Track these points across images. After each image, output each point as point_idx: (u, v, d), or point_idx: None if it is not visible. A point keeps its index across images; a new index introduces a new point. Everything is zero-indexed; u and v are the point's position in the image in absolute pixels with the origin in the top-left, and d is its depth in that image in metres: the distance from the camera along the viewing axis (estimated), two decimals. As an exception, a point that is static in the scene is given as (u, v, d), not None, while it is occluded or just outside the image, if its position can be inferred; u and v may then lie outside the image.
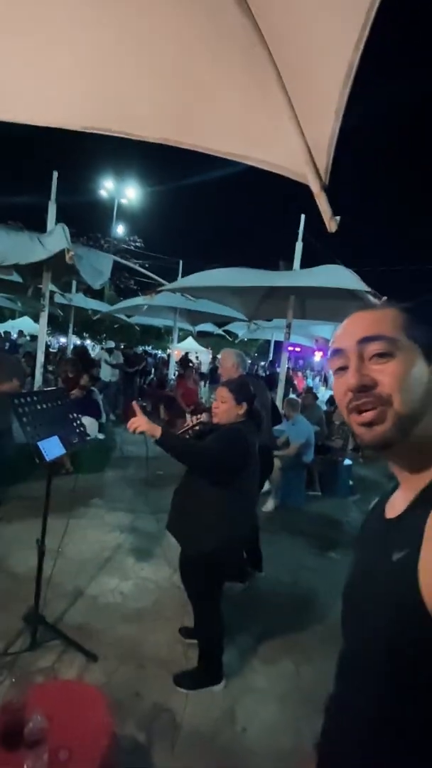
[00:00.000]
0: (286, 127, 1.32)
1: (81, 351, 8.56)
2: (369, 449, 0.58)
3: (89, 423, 4.97)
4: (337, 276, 3.99)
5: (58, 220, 5.31)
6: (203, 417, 2.07)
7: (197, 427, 2.11)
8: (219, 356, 3.48)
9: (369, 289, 3.46)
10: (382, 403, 0.55)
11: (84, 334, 16.92)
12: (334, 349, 0.62)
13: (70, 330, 11.15)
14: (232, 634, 2.35)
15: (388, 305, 0.61)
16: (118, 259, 6.64)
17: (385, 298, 3.34)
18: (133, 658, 2.11)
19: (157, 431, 1.71)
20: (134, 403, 1.85)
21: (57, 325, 15.23)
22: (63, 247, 3.74)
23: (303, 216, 5.46)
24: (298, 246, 5.38)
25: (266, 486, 4.46)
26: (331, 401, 7.64)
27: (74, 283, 10.62)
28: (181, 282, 5.03)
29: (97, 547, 3.22)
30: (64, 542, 3.25)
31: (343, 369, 0.60)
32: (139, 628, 2.34)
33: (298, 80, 1.23)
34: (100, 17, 1.13)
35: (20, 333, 15.13)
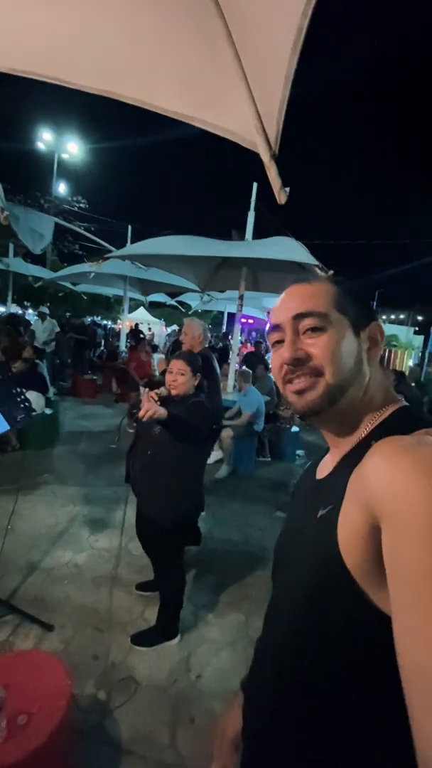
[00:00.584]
0: (237, 92, 1.29)
1: (10, 319, 7.96)
2: (300, 416, 0.63)
3: (35, 398, 4.74)
4: (288, 248, 4.04)
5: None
6: (162, 390, 2.08)
7: (158, 401, 2.13)
8: (183, 325, 3.48)
9: (317, 263, 3.56)
10: (315, 374, 0.60)
11: (25, 303, 15.74)
12: (272, 324, 0.65)
13: (9, 298, 10.33)
14: (187, 593, 2.48)
15: (320, 280, 0.64)
16: (61, 221, 6.17)
17: (331, 272, 3.45)
18: (91, 624, 2.17)
19: (165, 413, 1.74)
20: (150, 393, 1.94)
21: (-6, 293, 14.00)
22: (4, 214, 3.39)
23: (255, 185, 5.37)
24: (250, 216, 5.33)
25: (219, 454, 4.61)
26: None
27: (11, 246, 9.77)
28: (131, 249, 4.81)
29: (49, 522, 3.18)
30: (13, 519, 3.18)
31: (279, 342, 0.64)
32: (96, 596, 2.39)
33: (248, 44, 1.20)
34: None
35: None
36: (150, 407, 1.68)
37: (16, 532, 2.99)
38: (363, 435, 0.58)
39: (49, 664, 1.53)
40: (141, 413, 1.68)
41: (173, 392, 2.04)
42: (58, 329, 9.22)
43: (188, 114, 1.56)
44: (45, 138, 19.59)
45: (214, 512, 3.57)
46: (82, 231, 6.08)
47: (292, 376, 0.61)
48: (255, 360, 7.00)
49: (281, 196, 1.40)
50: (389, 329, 18.44)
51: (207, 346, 3.33)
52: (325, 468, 0.66)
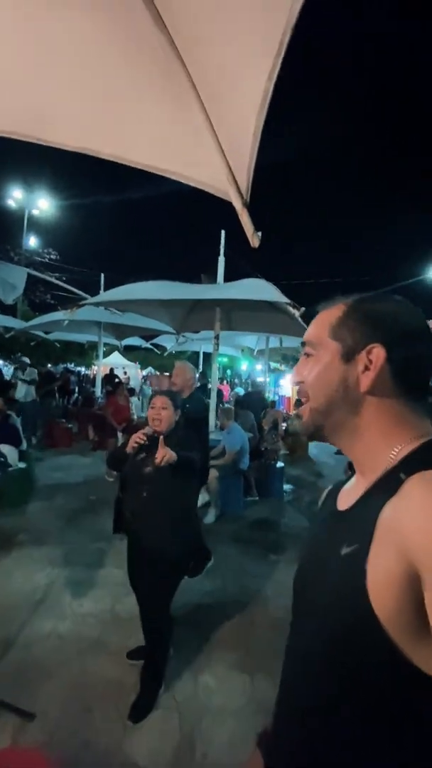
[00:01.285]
0: (208, 147, 1.37)
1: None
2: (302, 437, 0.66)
3: (8, 451, 4.51)
4: (258, 289, 4.21)
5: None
6: (148, 430, 2.02)
7: (146, 442, 2.06)
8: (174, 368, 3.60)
9: (288, 301, 3.70)
10: (306, 397, 0.63)
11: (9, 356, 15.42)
12: None
13: (-21, 350, 10.08)
14: (183, 654, 2.27)
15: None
16: (33, 272, 6.20)
17: (303, 308, 3.59)
18: (78, 705, 1.92)
19: (175, 456, 1.83)
20: (137, 434, 1.97)
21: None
22: None
23: (223, 232, 5.68)
24: (221, 261, 5.58)
25: (206, 497, 4.45)
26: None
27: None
28: (105, 296, 4.86)
29: (26, 589, 2.89)
30: (-15, 589, 2.89)
31: None
32: (83, 670, 2.14)
33: (216, 101, 1.29)
34: (15, 21, 1.06)
35: None
36: (165, 452, 1.78)
37: (-11, 603, 2.70)
38: (389, 466, 0.56)
39: (31, 763, 1.32)
40: (158, 461, 1.78)
41: (157, 428, 2.03)
42: (36, 377, 8.99)
43: (163, 167, 1.64)
44: (15, 196, 20.24)
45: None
46: (54, 280, 6.13)
47: (298, 397, 0.66)
48: (254, 399, 7.11)
49: (254, 240, 1.47)
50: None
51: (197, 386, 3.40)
52: (348, 497, 0.62)
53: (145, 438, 1.95)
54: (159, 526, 1.96)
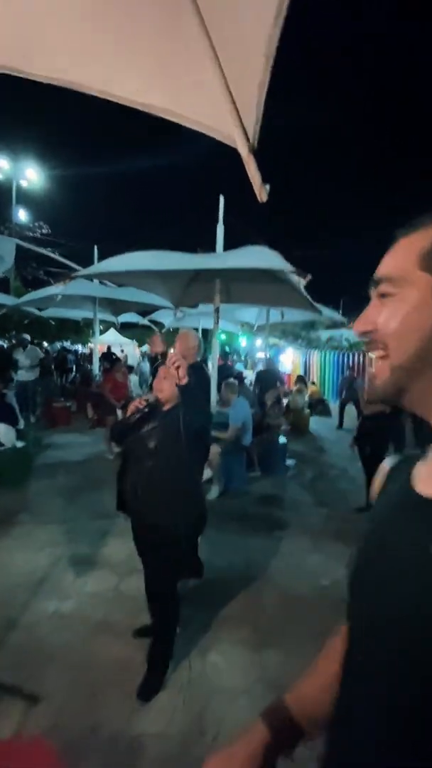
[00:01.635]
0: (212, 82, 1.16)
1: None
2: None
3: (4, 430, 4.40)
4: (261, 256, 3.98)
5: None
6: (149, 397, 1.91)
7: (146, 409, 1.96)
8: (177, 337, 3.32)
9: (292, 268, 3.50)
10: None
11: (7, 335, 15.09)
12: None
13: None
14: (190, 633, 2.23)
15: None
16: (22, 242, 5.90)
17: (309, 275, 3.39)
18: (84, 688, 1.87)
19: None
20: (138, 400, 1.99)
21: None
22: None
23: (222, 197, 5.35)
24: (219, 229, 5.27)
25: (208, 473, 4.38)
26: (259, 384, 7.79)
27: (-29, 274, 9.36)
28: (99, 267, 4.62)
29: (28, 569, 2.84)
30: (-14, 570, 2.84)
31: None
32: (87, 651, 2.10)
33: (223, 25, 1.08)
34: None
35: None
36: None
37: (-10, 584, 2.65)
38: None
39: (36, 753, 1.26)
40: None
41: (161, 396, 1.94)
42: (42, 355, 8.78)
43: (159, 106, 1.42)
44: (1, 165, 19.31)
45: (209, 537, 3.32)
46: (47, 253, 5.84)
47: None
48: (270, 376, 6.99)
49: (262, 193, 1.30)
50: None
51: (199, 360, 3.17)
52: None
53: (145, 403, 1.86)
54: (163, 502, 1.88)
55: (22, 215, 20.29)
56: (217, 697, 1.87)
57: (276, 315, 8.19)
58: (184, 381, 1.93)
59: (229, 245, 4.83)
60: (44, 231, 19.98)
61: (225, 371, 7.65)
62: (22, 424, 5.07)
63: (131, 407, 1.91)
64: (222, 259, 4.46)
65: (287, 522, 3.82)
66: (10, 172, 19.18)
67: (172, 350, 3.07)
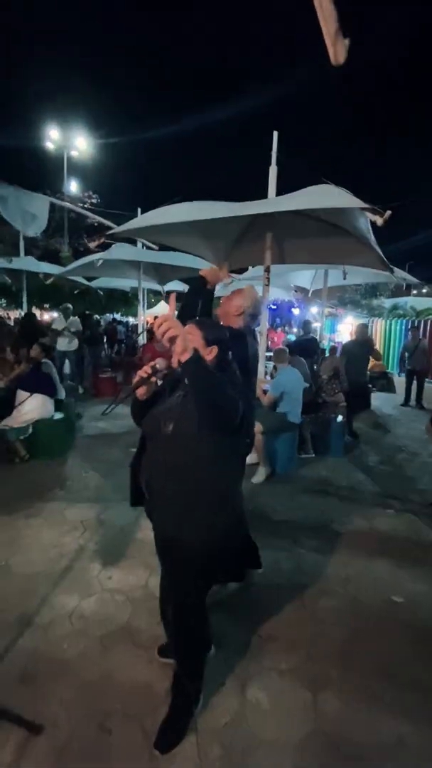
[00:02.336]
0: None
1: (27, 320, 7.57)
2: None
3: (39, 402, 4.22)
4: (324, 195, 3.22)
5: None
6: (158, 362, 1.43)
7: (154, 378, 1.46)
8: None
9: (366, 205, 2.74)
10: None
11: (44, 305, 15.50)
12: None
13: (24, 300, 9.99)
14: (225, 656, 1.82)
15: None
16: (55, 200, 5.58)
17: (388, 212, 2.63)
18: (94, 718, 1.54)
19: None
20: (145, 367, 1.42)
21: (12, 297, 13.81)
22: None
23: (275, 133, 4.54)
24: (272, 171, 4.51)
25: (254, 458, 3.90)
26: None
27: (22, 245, 9.40)
28: (135, 222, 4.14)
29: (52, 554, 2.60)
30: (11, 551, 2.64)
31: None
32: (104, 668, 1.77)
33: None
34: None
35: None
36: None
37: (12, 569, 2.44)
38: None
39: None
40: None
41: (175, 364, 1.38)
42: (80, 327, 8.75)
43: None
44: (52, 136, 19.23)
45: (252, 530, 2.88)
46: (85, 212, 5.46)
47: None
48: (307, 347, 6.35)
49: (339, 50, 0.93)
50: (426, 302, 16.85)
51: (250, 326, 2.54)
52: None
53: (151, 371, 1.37)
54: (177, 507, 1.40)
55: (73, 187, 20.31)
56: (258, 752, 1.44)
57: (336, 276, 7.25)
58: (211, 356, 1.39)
59: (285, 188, 4.09)
60: (94, 200, 19.90)
61: (305, 345, 6.83)
62: (62, 395, 4.90)
63: (136, 377, 1.43)
64: (275, 203, 3.75)
65: (346, 516, 3.25)
66: (61, 142, 19.07)
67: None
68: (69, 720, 1.53)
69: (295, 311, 17.45)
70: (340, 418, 4.89)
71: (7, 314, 15.73)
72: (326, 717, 1.59)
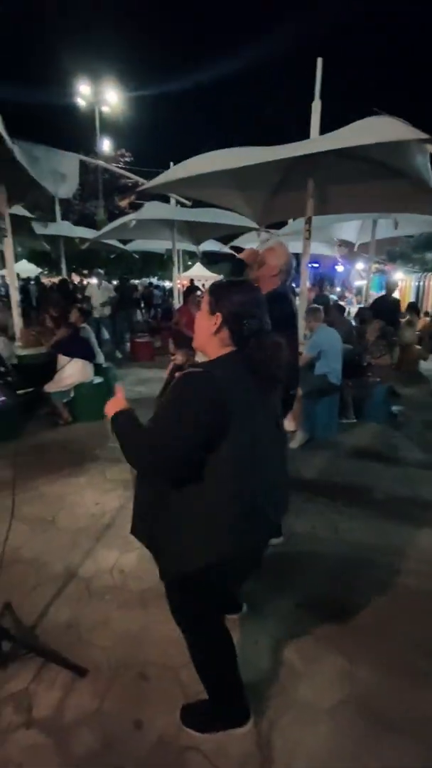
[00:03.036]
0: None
1: (61, 285, 7.68)
2: None
3: (79, 367, 4.31)
4: (375, 128, 2.81)
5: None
6: (178, 357, 1.33)
7: (179, 374, 1.36)
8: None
9: (425, 135, 2.35)
10: None
11: (83, 270, 15.71)
12: None
13: (63, 266, 10.10)
14: (261, 619, 1.83)
15: None
16: (86, 158, 5.40)
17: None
18: (134, 667, 1.62)
19: (111, 410, 1.18)
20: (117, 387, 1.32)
21: (52, 263, 14.07)
22: None
23: (320, 60, 3.98)
24: (316, 106, 4.01)
25: (290, 425, 3.78)
26: (361, 316, 6.61)
27: (58, 210, 9.37)
28: (166, 175, 3.91)
29: (95, 511, 2.72)
30: (57, 508, 2.79)
31: None
32: (143, 621, 1.84)
33: None
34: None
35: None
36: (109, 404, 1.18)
37: (58, 525, 2.58)
38: None
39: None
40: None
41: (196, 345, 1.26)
42: (113, 293, 8.80)
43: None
44: (83, 91, 18.55)
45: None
46: (114, 169, 5.25)
47: None
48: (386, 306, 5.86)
49: None
50: None
51: (288, 284, 2.32)
52: None
53: (174, 369, 1.28)
54: (155, 522, 1.21)
55: (105, 146, 19.77)
56: (291, 712, 1.46)
57: (386, 227, 6.61)
58: (214, 325, 1.14)
59: (330, 125, 3.63)
60: (127, 159, 19.35)
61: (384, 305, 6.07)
62: (101, 359, 4.99)
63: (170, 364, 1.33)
64: (318, 143, 3.36)
65: (389, 484, 3.10)
66: (92, 97, 18.38)
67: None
68: (110, 666, 1.62)
69: (339, 268, 16.39)
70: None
71: (50, 281, 16.15)
72: (361, 686, 1.56)
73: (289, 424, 3.63)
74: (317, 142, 3.42)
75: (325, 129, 3.89)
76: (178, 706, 1.45)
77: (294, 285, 8.85)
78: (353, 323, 6.19)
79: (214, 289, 1.19)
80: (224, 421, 1.04)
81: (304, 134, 4.19)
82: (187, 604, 1.27)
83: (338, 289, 14.65)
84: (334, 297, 12.15)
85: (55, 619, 1.84)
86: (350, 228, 7.86)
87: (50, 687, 1.53)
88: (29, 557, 2.26)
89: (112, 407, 1.19)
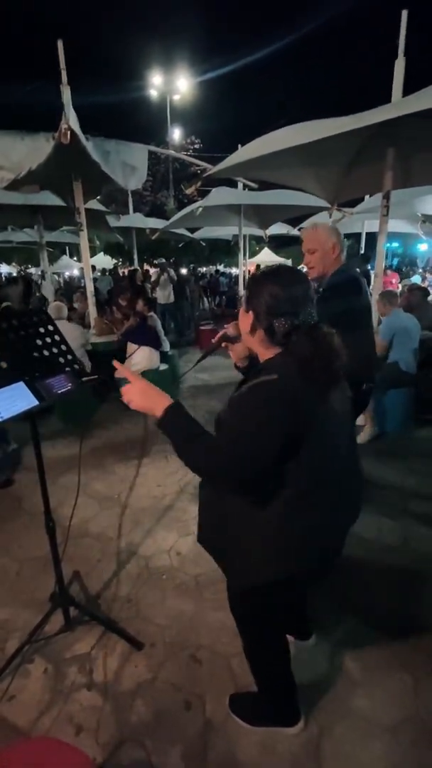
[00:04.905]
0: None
1: (130, 275, 7.99)
2: None
3: (147, 354, 4.48)
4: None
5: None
6: (229, 329, 1.29)
7: (225, 344, 1.32)
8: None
9: None
10: None
11: (154, 260, 16.26)
12: None
13: (135, 256, 10.55)
14: (320, 624, 1.75)
15: None
16: (154, 148, 5.48)
17: None
18: (187, 648, 1.67)
19: (159, 408, 1.04)
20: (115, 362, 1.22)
21: (126, 254, 14.77)
22: (63, 127, 2.85)
23: (404, 12, 3.52)
24: (399, 65, 3.57)
25: (360, 419, 3.54)
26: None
27: (131, 202, 9.75)
28: (232, 159, 3.81)
29: (156, 493, 2.83)
30: (123, 488, 2.96)
31: None
32: (196, 604, 1.89)
33: None
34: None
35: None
36: (127, 390, 1.06)
37: (123, 503, 2.73)
38: None
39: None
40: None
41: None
42: (174, 279, 9.00)
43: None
44: (155, 82, 18.92)
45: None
46: (183, 157, 5.28)
47: None
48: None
49: None
50: None
51: (345, 262, 2.08)
52: None
53: (222, 338, 1.24)
54: (219, 534, 1.15)
55: (176, 135, 20.03)
56: (345, 724, 1.38)
57: None
58: (246, 325, 1.06)
59: (417, 84, 3.22)
60: (197, 146, 19.41)
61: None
62: (167, 347, 5.14)
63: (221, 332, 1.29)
64: (401, 105, 3.00)
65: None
66: (163, 87, 18.67)
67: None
68: (164, 644, 1.68)
69: (422, 247, 14.87)
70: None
71: (123, 271, 17.03)
72: (423, 700, 1.43)
73: (359, 418, 3.40)
74: (398, 106, 3.06)
75: (409, 90, 3.47)
76: (227, 693, 1.46)
77: (369, 267, 8.20)
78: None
79: (250, 281, 1.07)
80: (301, 429, 0.94)
81: (386, 98, 3.79)
82: (249, 617, 1.24)
83: (421, 270, 13.32)
84: (417, 278, 11.07)
85: (116, 593, 1.96)
86: (437, 201, 7.02)
87: (110, 654, 1.64)
88: (96, 532, 2.43)
89: (156, 402, 1.06)
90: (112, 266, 16.36)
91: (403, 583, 1.99)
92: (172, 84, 19.10)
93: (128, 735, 1.36)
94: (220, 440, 0.99)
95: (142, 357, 4.48)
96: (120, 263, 17.49)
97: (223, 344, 1.33)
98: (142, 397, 1.05)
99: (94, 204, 6.02)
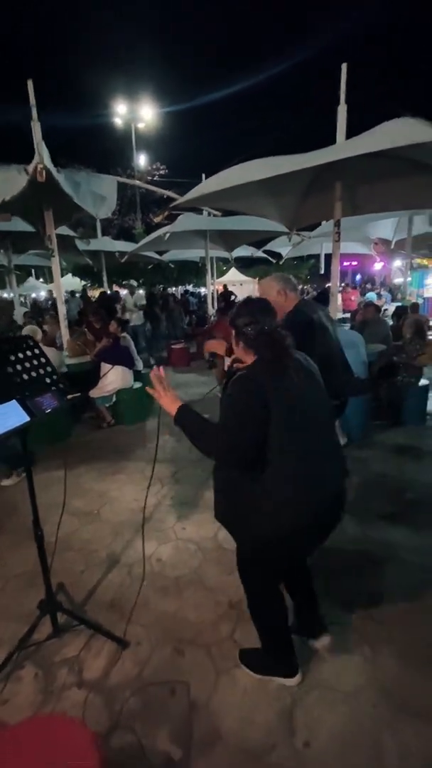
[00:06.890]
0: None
1: (103, 297, 8.15)
2: None
3: (120, 373, 4.61)
4: (399, 131, 2.84)
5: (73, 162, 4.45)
6: (208, 354, 1.58)
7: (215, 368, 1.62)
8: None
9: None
10: None
11: (122, 282, 16.44)
12: None
13: (104, 279, 10.70)
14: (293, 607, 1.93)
15: None
16: (123, 179, 5.76)
17: None
18: (170, 642, 1.79)
19: (174, 407, 1.41)
20: (155, 370, 1.53)
21: (95, 276, 14.87)
22: (35, 164, 3.04)
23: (344, 66, 4.04)
24: (341, 111, 4.05)
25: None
26: (398, 315, 6.45)
27: (99, 226, 9.95)
28: (197, 190, 4.12)
29: (134, 506, 2.94)
30: (101, 502, 3.04)
31: None
32: (178, 603, 2.02)
33: None
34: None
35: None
36: (157, 391, 1.46)
37: (102, 517, 2.83)
38: None
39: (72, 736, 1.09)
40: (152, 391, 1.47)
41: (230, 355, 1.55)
42: (143, 302, 9.22)
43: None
44: (119, 111, 19.55)
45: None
46: (148, 187, 5.59)
47: None
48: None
49: None
50: None
51: (299, 297, 2.27)
52: None
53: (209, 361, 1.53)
54: (227, 500, 1.52)
55: (141, 160, 20.65)
56: (316, 692, 1.56)
57: (422, 223, 6.44)
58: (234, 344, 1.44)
59: (356, 129, 3.67)
60: (162, 172, 20.06)
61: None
62: (140, 366, 5.29)
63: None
64: (347, 147, 3.41)
65: (420, 485, 3.07)
66: (127, 115, 19.32)
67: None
68: (149, 641, 1.80)
69: (377, 266, 15.94)
70: (424, 381, 4.50)
71: (92, 294, 17.05)
72: (380, 669, 1.63)
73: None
74: (345, 146, 3.48)
75: (351, 133, 3.94)
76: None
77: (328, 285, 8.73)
78: (390, 323, 6.08)
79: (235, 307, 1.48)
80: (268, 405, 1.26)
81: (331, 140, 4.25)
82: (257, 577, 1.51)
83: (377, 287, 14.27)
84: (373, 295, 11.85)
85: (101, 599, 2.06)
86: (386, 226, 7.72)
87: (97, 655, 1.74)
88: (78, 545, 2.51)
89: (169, 402, 1.41)
90: (81, 288, 16.39)
91: (362, 567, 2.21)
92: (137, 113, 19.82)
93: (118, 722, 1.46)
94: (218, 424, 1.32)
95: (116, 376, 4.61)
96: (89, 285, 17.53)
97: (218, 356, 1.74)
98: (167, 400, 1.43)
99: (63, 229, 6.18)
